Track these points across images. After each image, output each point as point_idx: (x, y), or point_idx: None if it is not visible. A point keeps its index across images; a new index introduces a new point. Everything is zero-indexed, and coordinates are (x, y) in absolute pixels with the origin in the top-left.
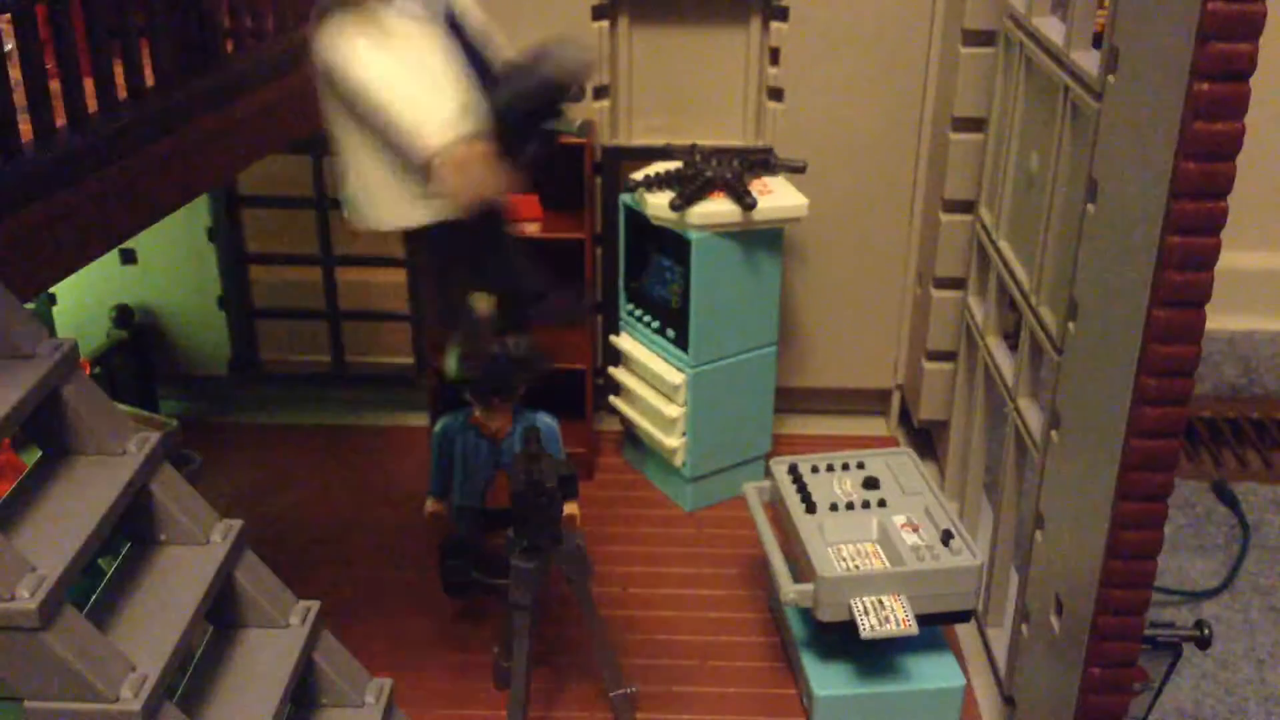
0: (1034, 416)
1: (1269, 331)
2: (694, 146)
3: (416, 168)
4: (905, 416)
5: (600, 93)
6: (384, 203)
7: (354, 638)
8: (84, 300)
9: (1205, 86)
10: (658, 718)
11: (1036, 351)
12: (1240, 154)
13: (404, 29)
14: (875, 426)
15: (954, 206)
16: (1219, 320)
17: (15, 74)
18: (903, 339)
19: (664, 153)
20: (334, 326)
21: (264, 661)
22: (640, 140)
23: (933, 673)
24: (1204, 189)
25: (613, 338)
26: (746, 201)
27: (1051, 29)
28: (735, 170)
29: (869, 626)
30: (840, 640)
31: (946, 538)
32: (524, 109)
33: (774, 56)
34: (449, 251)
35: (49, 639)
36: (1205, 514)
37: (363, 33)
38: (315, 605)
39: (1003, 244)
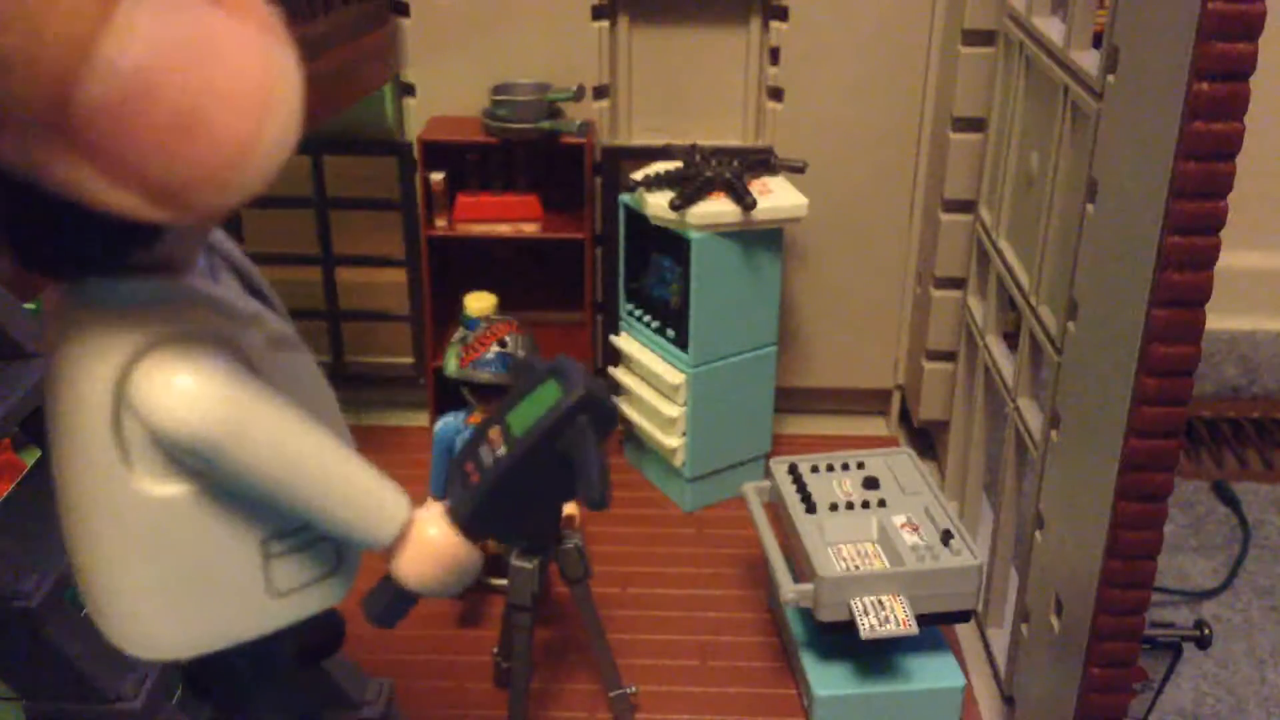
0: (1034, 416)
1: (1269, 331)
2: (694, 146)
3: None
4: (905, 416)
5: (600, 93)
6: (185, 614)
7: (353, 638)
8: None
9: (1205, 86)
10: (658, 718)
11: (1036, 351)
12: (1240, 154)
13: (244, 334)
14: (875, 426)
15: (954, 206)
16: (1219, 320)
17: None
18: (903, 339)
19: (664, 153)
20: (334, 326)
21: None
22: (640, 140)
23: (933, 673)
24: (1204, 189)
25: (613, 338)
26: (746, 201)
27: (1051, 29)
28: (735, 170)
29: (869, 626)
30: (840, 640)
31: (946, 538)
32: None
33: (774, 56)
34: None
35: (49, 637)
36: (1205, 514)
37: (222, 367)
38: None
39: (1003, 244)
